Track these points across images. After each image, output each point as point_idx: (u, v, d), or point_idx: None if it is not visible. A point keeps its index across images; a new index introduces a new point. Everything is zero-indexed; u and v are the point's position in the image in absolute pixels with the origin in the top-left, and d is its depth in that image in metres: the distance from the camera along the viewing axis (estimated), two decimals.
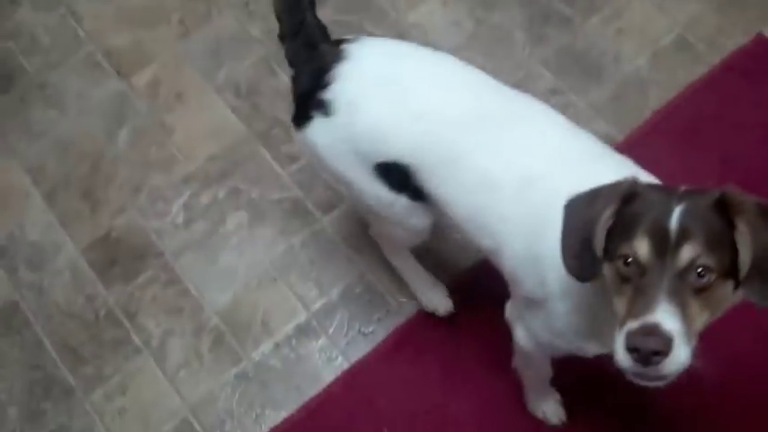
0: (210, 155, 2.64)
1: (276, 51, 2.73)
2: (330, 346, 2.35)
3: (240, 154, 2.63)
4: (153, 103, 2.75)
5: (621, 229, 1.35)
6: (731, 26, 2.71)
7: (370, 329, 2.36)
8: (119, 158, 2.66)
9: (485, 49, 2.72)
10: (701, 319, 1.30)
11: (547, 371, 2.00)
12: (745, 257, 1.30)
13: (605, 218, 1.37)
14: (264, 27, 2.82)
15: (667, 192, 1.37)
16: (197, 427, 2.27)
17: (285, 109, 2.65)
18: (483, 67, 2.62)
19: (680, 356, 1.25)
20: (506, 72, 2.67)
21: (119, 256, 2.52)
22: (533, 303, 1.70)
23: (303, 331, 2.37)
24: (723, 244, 1.30)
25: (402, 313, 2.37)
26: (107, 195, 2.61)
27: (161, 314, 2.43)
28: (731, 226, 1.31)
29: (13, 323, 2.45)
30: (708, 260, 1.28)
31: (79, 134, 2.72)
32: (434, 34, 2.77)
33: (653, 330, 1.24)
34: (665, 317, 1.25)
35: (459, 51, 2.69)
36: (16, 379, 2.38)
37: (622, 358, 1.29)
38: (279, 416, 2.26)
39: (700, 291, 1.28)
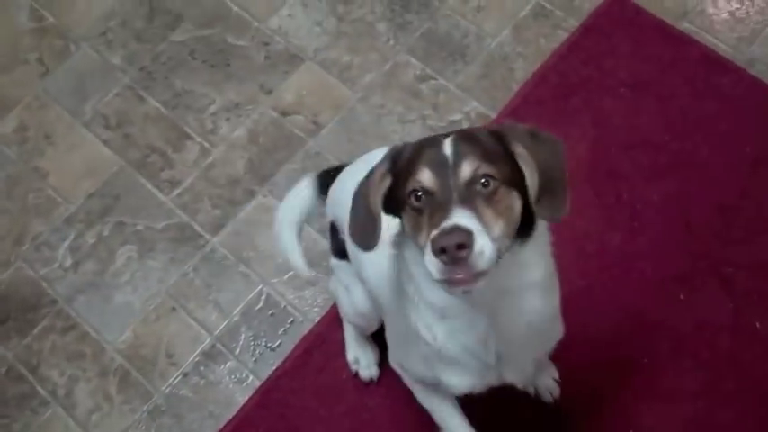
0: (89, 192, 2.61)
1: (141, 77, 2.74)
2: (239, 366, 2.36)
3: (119, 187, 2.61)
4: (23, 148, 2.70)
5: (402, 177, 1.43)
6: None
7: (277, 343, 2.38)
8: None
9: (350, 46, 2.75)
10: (497, 224, 1.35)
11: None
12: (531, 176, 1.40)
13: (378, 176, 1.47)
14: (125, 54, 2.80)
15: (436, 135, 1.47)
16: None
17: (158, 135, 2.67)
18: (350, 64, 2.68)
19: (484, 247, 1.29)
20: (374, 65, 2.70)
21: (11, 311, 2.48)
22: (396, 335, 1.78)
23: (210, 356, 2.37)
24: (501, 159, 1.40)
25: (306, 321, 2.39)
26: None
27: (63, 362, 2.41)
28: (510, 151, 1.42)
29: None
30: (488, 169, 1.37)
31: None
32: (298, 38, 2.77)
33: (453, 229, 1.28)
34: (461, 218, 1.30)
35: (325, 51, 2.73)
36: None
37: (433, 267, 1.31)
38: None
39: (488, 199, 1.36)
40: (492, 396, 1.79)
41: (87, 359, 2.40)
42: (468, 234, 1.28)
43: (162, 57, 2.79)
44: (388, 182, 1.47)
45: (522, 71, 2.65)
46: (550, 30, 2.71)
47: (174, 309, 2.43)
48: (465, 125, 2.57)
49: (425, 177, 1.38)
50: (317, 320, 2.38)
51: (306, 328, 2.38)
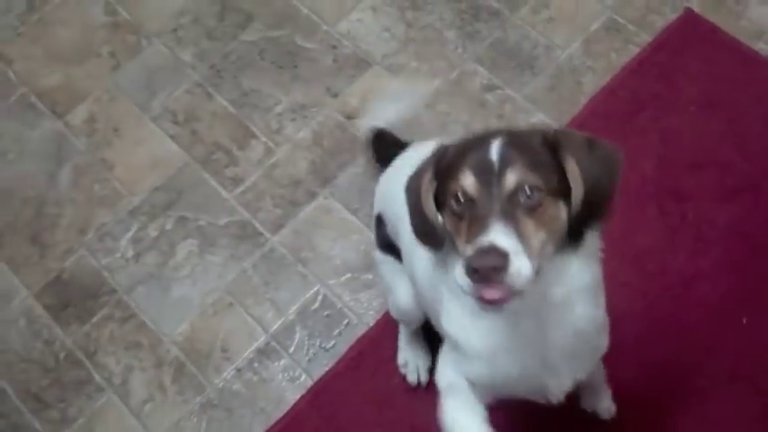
0: (154, 186, 2.66)
1: (210, 75, 2.78)
2: (293, 365, 2.38)
3: (184, 182, 2.65)
4: (91, 139, 2.76)
5: (446, 180, 1.40)
6: (659, 3, 2.75)
7: (331, 344, 2.39)
8: (62, 199, 2.67)
9: (418, 53, 2.76)
10: (538, 237, 1.32)
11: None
12: (576, 189, 1.36)
13: (426, 181, 1.44)
14: (196, 51, 2.84)
15: (485, 134, 1.42)
16: None
17: (224, 132, 2.70)
18: (417, 70, 2.69)
19: (520, 268, 1.26)
20: (441, 72, 2.71)
21: (72, 298, 2.53)
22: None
23: (264, 353, 2.40)
24: (549, 169, 1.35)
25: (362, 324, 2.40)
26: (54, 238, 2.62)
27: (120, 351, 2.45)
28: (560, 161, 1.37)
29: None
30: (534, 180, 1.32)
31: (20, 178, 2.73)
32: (366, 42, 2.79)
33: (489, 249, 1.25)
34: (499, 236, 1.26)
35: (392, 57, 2.74)
36: None
37: (462, 282, 1.29)
38: None
39: (532, 210, 1.32)
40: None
41: (144, 349, 2.44)
42: (504, 256, 1.25)
43: (231, 56, 2.83)
44: (434, 186, 1.44)
45: (591, 85, 2.63)
46: (622, 44, 2.69)
47: (231, 304, 2.46)
48: None
49: (468, 183, 1.34)
50: (371, 324, 2.39)
51: (360, 330, 2.39)
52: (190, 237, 2.58)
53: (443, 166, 1.42)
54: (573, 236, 1.41)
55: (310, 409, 2.30)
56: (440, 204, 1.44)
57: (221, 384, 2.37)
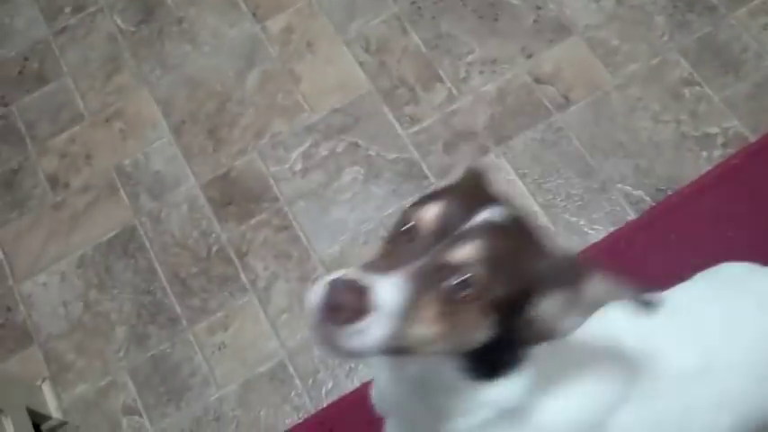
0: (334, 107, 2.71)
1: (410, 11, 2.80)
2: None
3: (363, 110, 2.69)
4: (284, 49, 2.82)
5: (424, 200, 1.14)
6: None
7: None
8: (245, 100, 2.76)
9: (622, 31, 2.70)
10: (425, 329, 1.03)
11: None
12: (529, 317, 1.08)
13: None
14: None
15: (504, 198, 1.15)
16: (291, 371, 2.38)
17: (411, 70, 2.72)
18: (617, 49, 2.64)
19: (366, 333, 0.98)
20: (641, 56, 2.65)
21: (235, 196, 2.62)
22: None
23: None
24: (513, 281, 1.05)
25: None
26: (231, 135, 2.71)
27: (270, 257, 2.53)
28: (541, 290, 1.08)
29: (130, 247, 2.59)
30: (480, 274, 1.03)
31: (210, 72, 2.82)
32: (572, 9, 2.75)
33: (359, 289, 1.00)
34: (386, 288, 1.00)
35: (595, 29, 2.70)
36: (127, 301, 2.53)
37: (315, 293, 1.03)
38: (371, 373, 2.34)
39: (448, 300, 1.03)
40: None
41: (292, 261, 2.51)
42: (364, 309, 0.98)
43: None
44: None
45: None
46: None
47: (383, 238, 2.50)
48: (719, 141, 2.49)
49: (427, 216, 1.09)
50: None
51: None
52: (357, 164, 2.62)
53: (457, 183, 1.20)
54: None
55: None
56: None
57: None
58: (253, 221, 2.58)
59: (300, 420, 2.31)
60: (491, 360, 1.12)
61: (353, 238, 2.52)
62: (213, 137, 2.71)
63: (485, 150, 2.58)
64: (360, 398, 2.28)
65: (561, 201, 2.48)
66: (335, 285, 1.01)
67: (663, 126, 2.54)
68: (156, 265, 2.56)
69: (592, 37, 2.71)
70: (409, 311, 1.01)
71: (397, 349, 1.03)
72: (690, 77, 2.60)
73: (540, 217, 2.46)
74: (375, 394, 1.42)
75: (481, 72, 2.70)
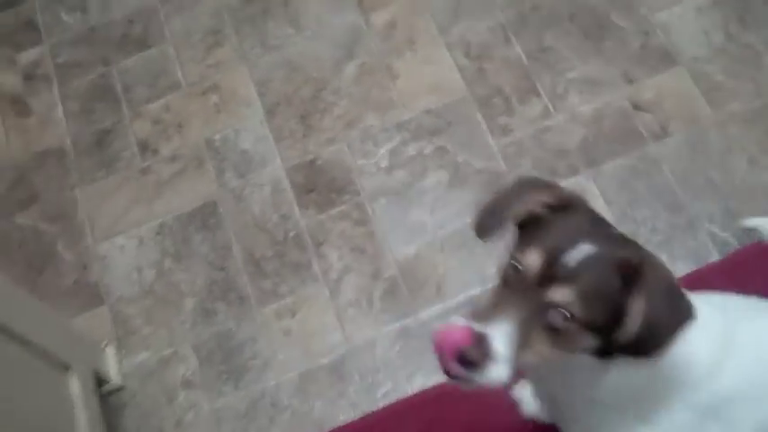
0: (427, 108, 2.71)
1: (515, 20, 2.79)
2: None
3: (456, 114, 2.69)
4: (385, 43, 2.83)
5: (534, 228, 1.33)
6: None
7: None
8: (341, 90, 2.77)
9: (729, 67, 2.65)
10: (537, 354, 1.28)
11: None
12: (631, 327, 1.26)
13: (536, 199, 1.35)
14: None
15: (592, 225, 1.35)
16: (351, 368, 2.40)
17: (509, 80, 2.71)
18: (722, 85, 2.59)
19: (491, 375, 1.24)
20: (746, 96, 2.60)
21: (319, 184, 2.65)
22: None
23: (472, 304, 2.44)
24: (606, 303, 1.27)
25: None
26: (322, 123, 2.73)
27: (345, 249, 2.55)
28: (629, 289, 1.27)
29: (210, 222, 2.64)
30: (578, 311, 1.25)
31: (309, 57, 2.84)
32: (680, 39, 2.71)
33: (480, 341, 1.23)
34: (499, 337, 1.23)
35: (701, 62, 2.65)
36: (200, 274, 2.57)
37: (438, 340, 1.29)
38: (430, 380, 2.35)
39: (553, 331, 1.26)
40: None
41: (367, 256, 2.53)
42: (485, 358, 1.23)
43: (543, 8, 2.81)
44: (539, 210, 1.35)
45: None
46: None
47: (460, 246, 2.51)
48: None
49: (532, 264, 1.28)
50: None
51: None
52: (443, 168, 2.62)
53: (543, 220, 1.34)
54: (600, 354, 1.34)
55: None
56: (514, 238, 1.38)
57: (425, 317, 2.43)
58: (333, 212, 2.60)
59: (355, 419, 2.33)
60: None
61: (430, 241, 2.53)
62: (304, 122, 2.74)
63: (575, 171, 2.56)
64: (415, 405, 2.31)
65: (645, 232, 2.45)
66: (470, 338, 1.24)
67: (759, 170, 2.49)
68: (233, 242, 2.60)
69: (697, 69, 2.66)
70: (520, 347, 1.25)
71: (519, 372, 1.28)
72: None
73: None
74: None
75: (580, 91, 2.68)
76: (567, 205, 1.37)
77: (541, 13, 2.81)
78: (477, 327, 1.25)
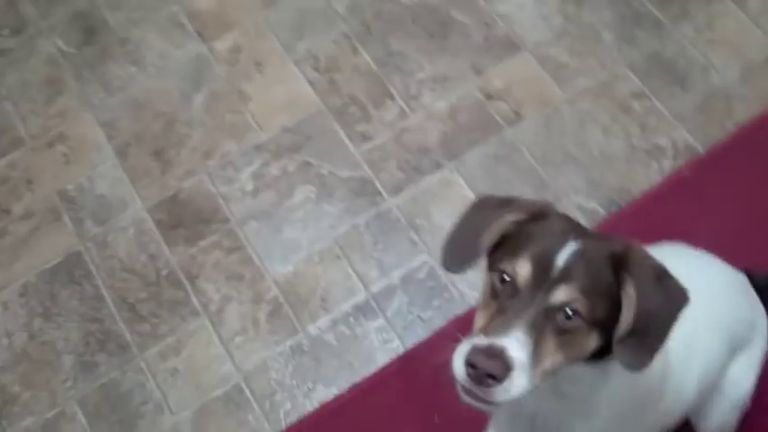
0: (284, 126, 2.70)
1: (359, 29, 2.82)
2: (387, 328, 2.40)
3: (314, 128, 2.69)
4: (232, 69, 2.81)
5: (512, 245, 1.34)
6: None
7: (429, 315, 2.41)
8: (193, 121, 2.73)
9: (571, 47, 2.75)
10: (553, 359, 1.28)
11: None
12: (626, 318, 1.29)
13: (505, 222, 1.36)
14: (350, 4, 2.87)
15: (571, 226, 1.38)
16: (248, 394, 2.33)
17: (362, 88, 2.73)
18: (567, 64, 2.68)
19: (514, 387, 1.23)
20: (591, 71, 2.70)
21: (184, 218, 2.59)
22: None
23: (361, 311, 2.42)
24: (603, 296, 1.29)
25: (463, 303, 2.41)
26: (178, 157, 2.68)
27: (222, 279, 2.50)
28: (621, 280, 1.30)
29: (75, 274, 2.53)
30: (580, 306, 1.27)
31: (156, 93, 2.79)
32: (521, 27, 2.79)
33: (497, 353, 1.22)
34: (515, 345, 1.23)
35: (545, 46, 2.74)
36: (73, 329, 2.46)
37: (458, 369, 1.26)
38: (330, 392, 2.32)
39: (561, 331, 1.28)
40: None
41: (245, 283, 2.48)
42: (508, 368, 1.22)
43: (384, 14, 2.85)
44: (510, 228, 1.36)
45: (743, 114, 2.59)
46: None
47: (338, 257, 2.49)
48: (670, 154, 2.54)
49: (522, 272, 1.29)
50: (473, 305, 2.40)
51: (461, 309, 2.40)
52: (310, 183, 2.61)
53: (521, 230, 1.35)
54: (598, 354, 1.36)
55: (397, 375, 2.32)
56: (491, 258, 1.38)
57: (314, 332, 2.40)
58: (203, 243, 2.55)
59: None
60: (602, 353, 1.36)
61: (307, 257, 2.50)
62: (160, 158, 2.68)
63: (439, 166, 2.59)
64: (319, 419, 2.27)
65: None
66: (478, 356, 1.23)
67: (614, 139, 2.59)
68: (104, 291, 2.51)
69: (542, 54, 2.75)
70: (536, 354, 1.25)
71: (536, 386, 1.28)
72: (639, 91, 2.65)
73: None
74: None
75: (432, 89, 2.72)
76: (538, 214, 1.38)
77: (384, 19, 2.84)
78: (491, 341, 1.24)
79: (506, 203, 1.41)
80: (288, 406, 2.31)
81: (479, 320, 1.33)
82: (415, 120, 2.68)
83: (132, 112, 2.76)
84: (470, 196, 2.53)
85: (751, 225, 2.40)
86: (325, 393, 2.32)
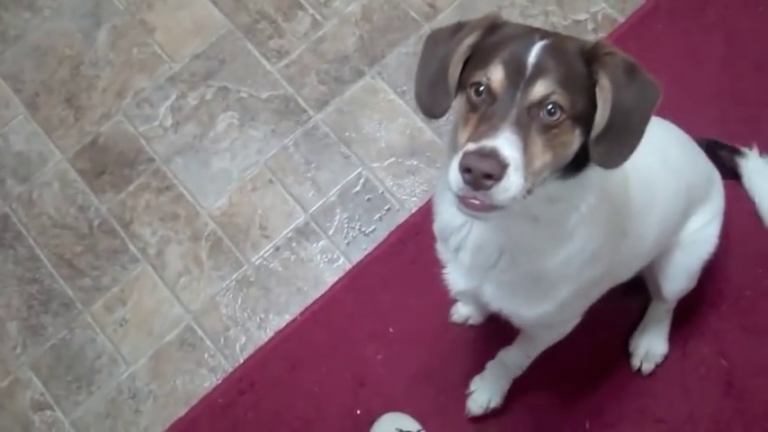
0: (195, 53, 2.71)
1: None
2: (331, 247, 2.48)
3: (226, 51, 2.71)
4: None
5: (479, 59, 1.38)
6: None
7: (372, 228, 2.49)
8: (99, 61, 2.73)
9: None
10: (542, 159, 1.32)
11: None
12: (602, 113, 1.34)
13: (465, 46, 1.40)
14: None
15: (532, 29, 1.41)
16: (201, 334, 2.42)
17: (270, 1, 2.73)
18: None
19: (511, 185, 1.26)
20: None
21: (108, 164, 2.62)
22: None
23: (303, 233, 2.50)
24: (579, 89, 1.34)
25: (403, 210, 2.49)
26: (90, 100, 2.69)
27: (156, 221, 2.55)
28: (594, 79, 1.36)
29: (6, 237, 2.57)
30: (560, 98, 1.31)
31: (56, 36, 2.78)
32: None
33: (490, 153, 1.25)
34: (505, 144, 1.27)
35: None
36: (13, 294, 2.52)
37: (454, 178, 1.28)
38: (283, 320, 2.41)
39: (546, 129, 1.32)
40: None
41: (181, 221, 2.54)
42: (503, 166, 1.25)
43: None
44: (469, 53, 1.41)
45: None
46: None
47: (271, 181, 2.55)
48: (590, 27, 2.61)
49: (496, 77, 1.33)
50: (413, 210, 2.48)
51: (402, 216, 2.49)
52: (230, 109, 2.64)
53: (484, 44, 1.40)
54: (577, 163, 1.41)
55: (348, 291, 2.42)
56: (460, 82, 1.41)
57: (258, 262, 2.48)
58: (131, 187, 2.59)
59: (219, 381, 2.36)
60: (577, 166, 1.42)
61: (241, 186, 2.56)
62: (72, 105, 2.69)
63: (361, 73, 2.63)
64: (276, 347, 2.37)
65: None
66: (471, 158, 1.26)
67: (532, 20, 2.64)
68: (38, 250, 2.55)
69: None
70: (526, 154, 1.29)
71: (527, 191, 1.31)
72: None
73: (426, 132, 2.54)
74: (467, 270, 1.68)
75: None
76: (495, 25, 1.42)
77: None
78: (482, 144, 1.27)
79: (458, 29, 1.45)
80: (243, 339, 2.41)
81: (463, 135, 1.35)
82: (330, 27, 2.70)
83: (35, 60, 2.75)
84: (397, 101, 2.59)
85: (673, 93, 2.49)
86: (278, 322, 2.41)
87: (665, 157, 1.79)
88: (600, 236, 1.58)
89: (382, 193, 2.52)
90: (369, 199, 2.52)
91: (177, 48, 2.73)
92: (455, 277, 1.77)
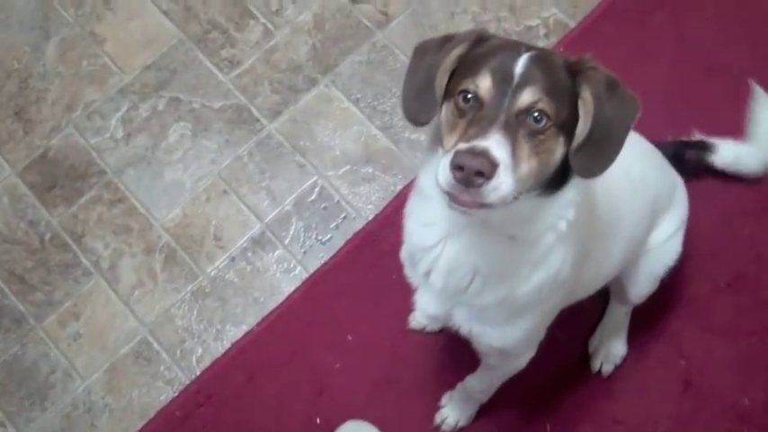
0: (146, 64, 2.74)
1: None
2: (287, 256, 2.52)
3: (177, 61, 2.74)
4: (80, 11, 2.83)
5: (466, 69, 1.46)
6: None
7: (328, 237, 2.53)
8: (48, 73, 2.75)
9: None
10: (528, 164, 1.39)
11: None
12: (583, 126, 1.43)
13: (453, 56, 1.49)
14: None
15: (518, 42, 1.50)
16: (156, 347, 2.45)
17: (221, 11, 2.78)
18: None
19: (502, 184, 1.33)
20: None
21: (59, 177, 2.63)
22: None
23: (258, 243, 2.53)
24: (564, 99, 1.43)
25: (359, 218, 2.54)
26: (40, 114, 2.71)
27: (109, 234, 2.57)
28: (577, 91, 1.45)
29: None
30: (546, 106, 1.40)
31: (3, 50, 2.80)
32: None
33: (482, 152, 1.32)
34: (495, 145, 1.34)
35: None
36: None
37: (444, 176, 1.34)
38: (240, 330, 2.44)
39: (532, 135, 1.39)
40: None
41: (134, 234, 2.56)
42: (494, 165, 1.32)
43: None
44: (456, 64, 1.49)
45: None
46: None
47: (225, 192, 2.58)
48: (542, 32, 2.68)
49: (484, 85, 1.41)
50: (370, 218, 2.53)
51: (358, 224, 2.53)
52: (183, 119, 2.68)
53: (471, 55, 1.48)
54: (557, 180, 1.48)
55: (305, 300, 2.45)
56: (447, 91, 1.49)
57: (214, 273, 2.51)
58: (82, 200, 2.60)
59: (176, 394, 2.38)
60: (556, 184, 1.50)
61: (194, 197, 2.59)
62: (21, 118, 2.70)
63: (314, 82, 2.68)
64: (233, 358, 2.40)
65: (398, 120, 2.61)
66: (463, 157, 1.32)
67: (485, 27, 2.69)
68: None
69: None
70: (515, 157, 1.36)
71: (514, 195, 1.37)
72: None
73: (381, 140, 2.59)
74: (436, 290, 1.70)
75: (294, 1, 2.79)
76: (482, 38, 1.51)
77: None
78: (473, 143, 1.34)
79: (446, 41, 1.53)
80: (199, 351, 2.43)
81: (451, 139, 1.42)
82: (282, 36, 2.75)
83: None
84: (351, 108, 2.64)
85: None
86: (235, 333, 2.44)
87: (628, 171, 1.85)
88: (570, 259, 1.64)
89: (338, 201, 2.56)
90: (325, 207, 2.56)
91: (128, 59, 2.76)
92: (425, 302, 1.80)
